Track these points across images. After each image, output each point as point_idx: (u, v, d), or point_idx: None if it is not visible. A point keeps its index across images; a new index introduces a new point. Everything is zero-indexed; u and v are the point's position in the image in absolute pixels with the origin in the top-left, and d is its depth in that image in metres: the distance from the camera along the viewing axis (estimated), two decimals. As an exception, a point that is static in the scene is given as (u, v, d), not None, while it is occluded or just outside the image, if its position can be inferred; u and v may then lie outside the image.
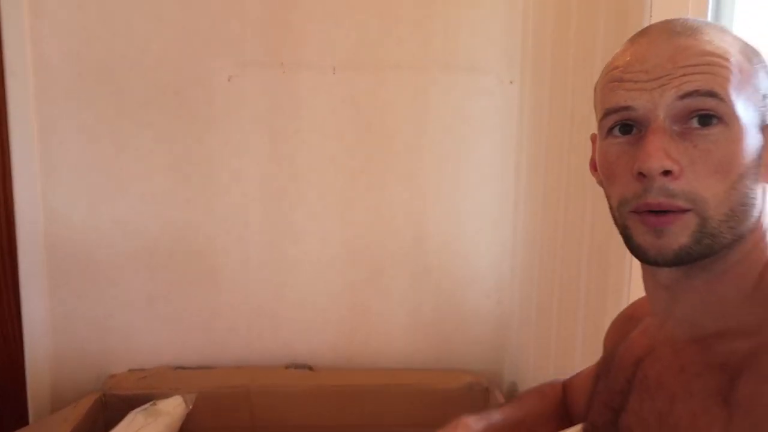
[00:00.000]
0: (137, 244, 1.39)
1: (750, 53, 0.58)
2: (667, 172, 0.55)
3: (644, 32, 0.60)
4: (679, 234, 0.56)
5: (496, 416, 0.84)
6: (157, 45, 1.34)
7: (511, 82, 1.40)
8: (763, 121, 0.57)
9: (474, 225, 1.45)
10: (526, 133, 1.36)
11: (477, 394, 1.42)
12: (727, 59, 0.56)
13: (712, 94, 0.55)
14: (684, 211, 0.55)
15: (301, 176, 1.41)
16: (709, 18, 0.98)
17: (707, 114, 0.55)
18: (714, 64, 0.55)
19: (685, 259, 0.56)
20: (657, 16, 0.97)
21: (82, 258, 1.38)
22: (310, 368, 1.44)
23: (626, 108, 0.57)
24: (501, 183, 1.43)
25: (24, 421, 1.38)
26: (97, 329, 1.41)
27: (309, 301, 1.46)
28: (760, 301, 0.56)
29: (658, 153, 0.54)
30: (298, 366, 1.44)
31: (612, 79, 0.59)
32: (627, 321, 0.74)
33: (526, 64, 1.37)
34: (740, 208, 0.56)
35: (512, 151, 1.42)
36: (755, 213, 0.57)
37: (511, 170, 1.42)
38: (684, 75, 0.55)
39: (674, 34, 0.57)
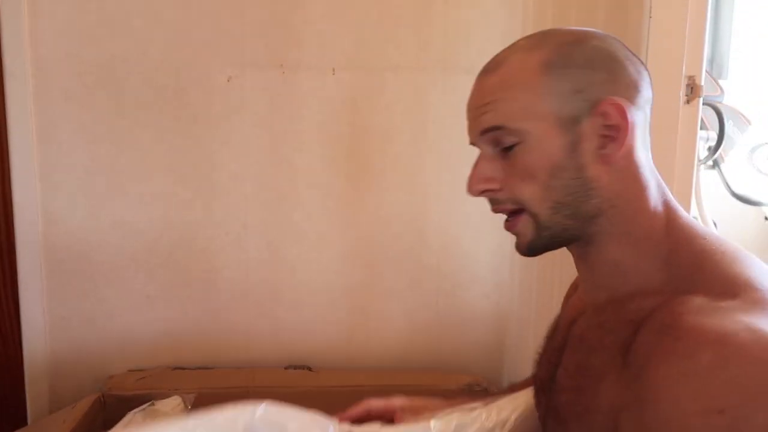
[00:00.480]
0: (136, 244, 1.39)
1: (563, 57, 0.65)
2: (487, 191, 0.69)
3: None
4: (524, 232, 0.68)
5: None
6: (156, 46, 1.34)
7: (510, 83, 1.40)
8: (575, 116, 0.64)
9: (473, 226, 1.45)
10: (526, 134, 1.36)
11: (476, 395, 1.41)
12: (509, 90, 0.66)
13: (498, 128, 0.66)
14: (517, 212, 0.68)
15: (300, 177, 1.41)
16: (708, 17, 0.98)
17: (501, 142, 0.67)
18: (497, 101, 0.66)
19: (539, 251, 0.69)
20: (656, 16, 0.97)
21: (81, 259, 1.38)
22: (310, 369, 1.44)
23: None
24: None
25: (23, 421, 1.38)
26: (95, 330, 1.40)
27: (308, 302, 1.46)
28: (663, 262, 0.65)
29: (473, 179, 0.69)
30: (297, 367, 1.44)
31: None
32: (573, 288, 0.86)
33: (525, 65, 1.37)
34: (567, 198, 0.65)
35: (511, 152, 1.42)
36: (597, 194, 0.65)
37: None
38: (479, 115, 0.68)
39: (483, 72, 0.70)
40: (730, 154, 1.59)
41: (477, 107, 0.69)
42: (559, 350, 0.74)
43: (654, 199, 0.66)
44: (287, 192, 1.42)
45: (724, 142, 1.41)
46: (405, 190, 1.44)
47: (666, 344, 0.55)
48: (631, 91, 0.65)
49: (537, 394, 0.79)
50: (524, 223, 0.68)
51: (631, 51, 0.69)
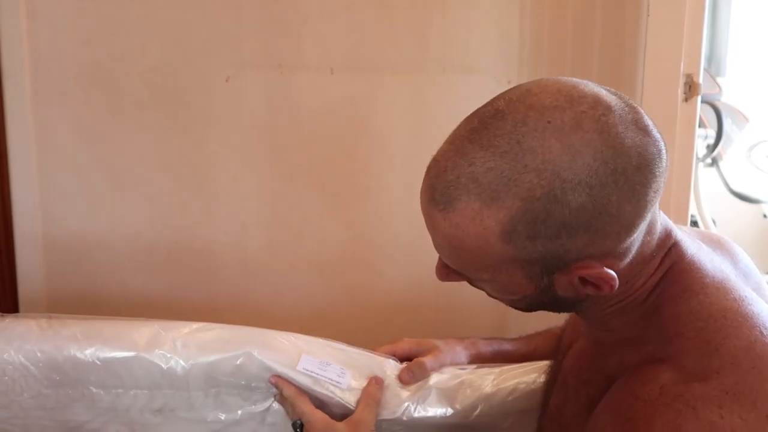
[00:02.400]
0: (135, 245, 1.39)
1: (530, 224, 0.52)
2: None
3: (428, 168, 0.63)
4: None
5: (506, 346, 0.92)
6: (154, 46, 1.34)
7: (508, 83, 1.40)
8: (545, 271, 0.56)
9: (472, 225, 1.45)
10: (524, 133, 1.36)
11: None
12: (463, 251, 0.56)
13: (457, 272, 0.61)
14: None
15: (299, 177, 1.41)
16: (706, 15, 0.98)
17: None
18: (450, 256, 0.59)
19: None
20: (654, 16, 0.97)
21: (80, 259, 1.38)
22: (309, 369, 1.44)
23: None
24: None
25: (23, 423, 1.38)
26: (95, 331, 1.40)
27: (307, 302, 1.46)
28: (648, 320, 0.59)
29: (438, 274, 0.64)
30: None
31: None
32: None
33: (523, 64, 1.37)
34: (544, 306, 0.61)
35: (510, 151, 1.42)
36: (576, 302, 0.60)
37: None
38: (437, 246, 0.60)
39: (431, 202, 0.58)
40: (728, 152, 1.59)
41: (434, 240, 0.60)
42: (554, 375, 0.72)
43: (652, 268, 0.59)
44: (286, 192, 1.42)
45: (722, 140, 1.41)
46: (404, 189, 1.43)
47: None
48: (622, 236, 0.54)
49: (540, 406, 0.79)
50: None
51: (632, 120, 0.53)
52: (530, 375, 0.85)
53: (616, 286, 0.55)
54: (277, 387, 0.79)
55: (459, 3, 1.39)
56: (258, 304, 1.44)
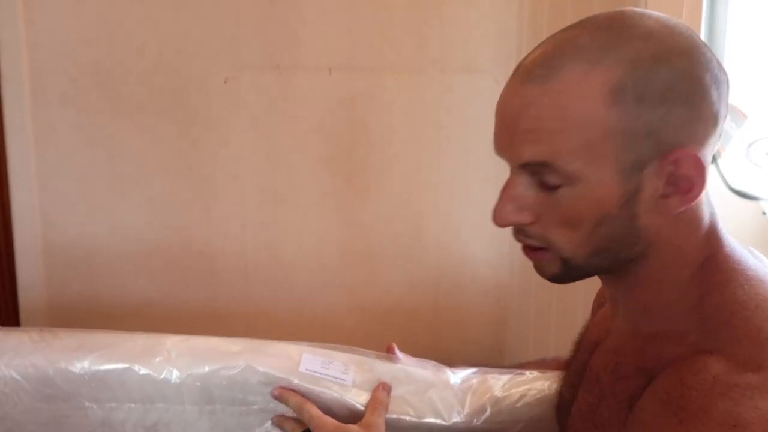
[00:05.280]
0: (135, 248, 1.39)
1: (639, 82, 0.51)
2: (517, 222, 0.58)
3: (517, 66, 0.57)
4: (548, 266, 0.59)
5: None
6: (152, 48, 1.34)
7: (507, 82, 1.40)
8: (640, 161, 0.53)
9: (472, 224, 1.45)
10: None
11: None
12: (565, 120, 0.52)
13: (543, 164, 0.54)
14: (545, 248, 0.58)
15: (298, 177, 1.41)
16: (704, 16, 0.98)
17: (544, 178, 0.55)
18: (547, 131, 0.53)
19: (564, 281, 0.60)
20: (652, 14, 0.97)
21: (80, 263, 1.38)
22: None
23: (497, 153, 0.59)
24: (498, 182, 1.43)
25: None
26: (96, 334, 1.40)
27: (307, 302, 1.46)
28: (691, 308, 0.56)
29: (502, 208, 0.57)
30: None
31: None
32: (601, 295, 0.78)
33: (522, 63, 1.37)
34: (610, 244, 0.56)
35: (509, 150, 1.42)
36: (643, 241, 0.56)
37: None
38: (519, 141, 0.55)
39: (527, 76, 0.54)
40: (727, 149, 1.59)
41: (516, 127, 0.55)
42: (579, 376, 0.68)
43: (699, 241, 0.57)
44: (285, 192, 1.42)
45: (721, 137, 1.41)
46: (403, 189, 1.44)
47: (668, 424, 0.50)
48: (710, 128, 0.54)
49: (559, 411, 0.76)
50: (550, 260, 0.59)
51: (710, 52, 0.55)
52: (542, 382, 0.83)
53: (705, 184, 0.53)
54: (281, 399, 0.77)
55: (457, 3, 1.39)
56: (258, 304, 1.44)
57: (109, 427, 0.79)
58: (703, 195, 0.56)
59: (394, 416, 0.78)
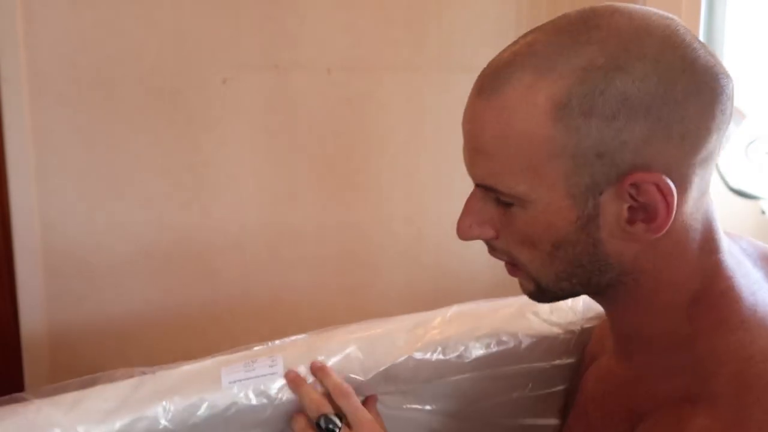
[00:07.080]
0: (134, 248, 1.39)
1: (585, 96, 0.45)
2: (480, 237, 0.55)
3: (479, 75, 0.52)
4: (524, 284, 0.57)
5: None
6: (151, 49, 1.34)
7: (506, 81, 1.41)
8: (593, 184, 0.47)
9: (471, 224, 1.45)
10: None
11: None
12: (506, 139, 0.47)
13: (490, 188, 0.51)
14: (516, 266, 0.55)
15: (297, 177, 1.41)
16: (703, 15, 0.98)
17: (498, 198, 0.52)
18: (491, 153, 0.49)
19: (543, 301, 0.57)
20: (651, 14, 0.97)
21: (79, 263, 1.38)
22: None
23: None
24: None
25: (23, 427, 1.38)
26: (95, 334, 1.40)
27: (307, 302, 1.45)
28: (683, 346, 0.51)
29: (463, 223, 0.56)
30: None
31: None
32: None
33: (520, 62, 1.37)
34: (576, 270, 0.51)
35: (508, 150, 1.42)
36: (615, 269, 0.51)
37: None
38: (470, 161, 0.52)
39: (480, 90, 0.50)
40: (726, 148, 1.59)
41: (468, 144, 0.52)
42: (574, 391, 0.66)
43: (689, 269, 0.51)
44: (284, 192, 1.42)
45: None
46: (402, 189, 1.44)
47: None
48: (688, 145, 0.46)
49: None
50: (524, 277, 0.57)
51: (702, 57, 0.46)
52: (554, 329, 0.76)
53: (672, 213, 0.46)
54: (294, 386, 0.73)
55: (456, 2, 1.39)
56: (257, 305, 1.44)
57: None
58: (690, 220, 0.50)
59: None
